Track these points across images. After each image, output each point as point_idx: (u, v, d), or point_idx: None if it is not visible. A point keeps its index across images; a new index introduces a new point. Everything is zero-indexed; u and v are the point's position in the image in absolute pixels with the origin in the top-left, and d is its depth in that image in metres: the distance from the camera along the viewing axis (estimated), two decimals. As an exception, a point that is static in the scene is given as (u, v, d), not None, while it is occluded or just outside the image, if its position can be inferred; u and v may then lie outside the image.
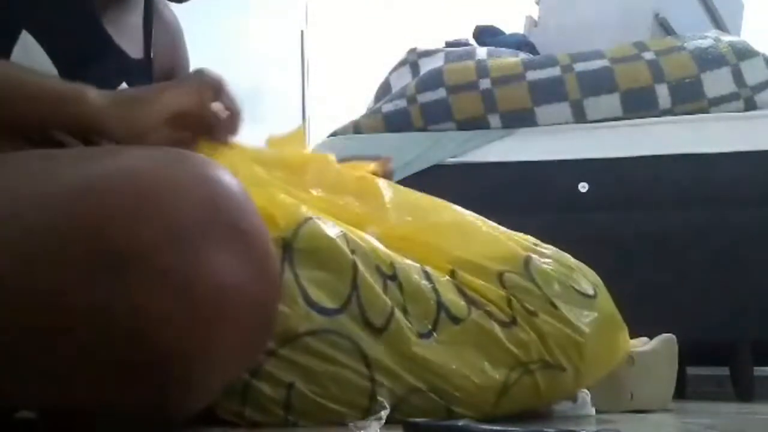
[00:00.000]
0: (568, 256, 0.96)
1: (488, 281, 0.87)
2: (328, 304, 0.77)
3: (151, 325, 0.54)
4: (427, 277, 0.84)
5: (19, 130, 0.76)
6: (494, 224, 0.96)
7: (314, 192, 0.87)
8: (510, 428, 0.66)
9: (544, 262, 0.90)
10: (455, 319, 0.82)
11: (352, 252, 0.80)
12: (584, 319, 0.89)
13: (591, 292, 0.92)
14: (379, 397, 0.76)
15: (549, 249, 0.95)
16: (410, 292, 0.82)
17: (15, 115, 0.75)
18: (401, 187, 0.96)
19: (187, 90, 0.79)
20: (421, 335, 0.80)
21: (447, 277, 0.85)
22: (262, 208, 0.80)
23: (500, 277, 0.87)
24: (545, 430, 0.70)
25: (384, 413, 0.71)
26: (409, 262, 0.85)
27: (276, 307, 0.65)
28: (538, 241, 0.96)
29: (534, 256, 0.91)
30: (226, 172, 0.62)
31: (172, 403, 0.59)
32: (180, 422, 0.66)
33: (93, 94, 0.76)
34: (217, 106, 0.80)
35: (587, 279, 0.94)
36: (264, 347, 0.70)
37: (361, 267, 0.80)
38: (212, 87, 0.80)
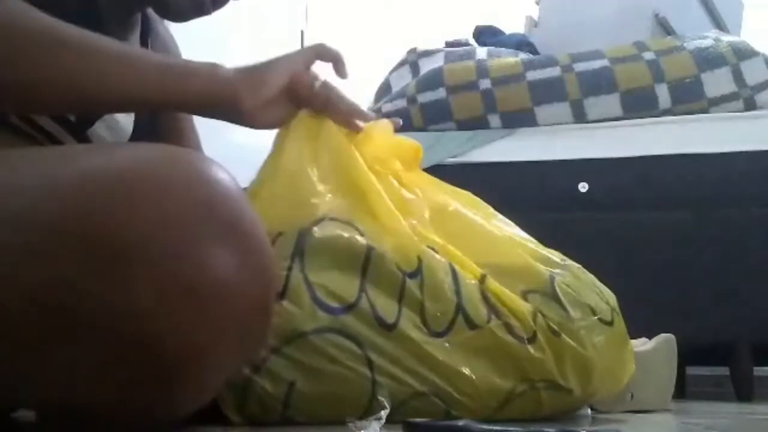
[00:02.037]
0: (593, 277, 0.95)
1: (514, 293, 0.86)
2: (336, 303, 0.77)
3: (147, 323, 0.54)
4: (454, 277, 0.83)
5: (145, 108, 0.81)
6: (521, 234, 0.95)
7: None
8: (510, 428, 0.66)
9: (569, 284, 0.90)
10: (472, 325, 0.82)
11: (369, 250, 0.80)
12: (598, 343, 0.88)
13: (609, 318, 0.92)
14: (379, 397, 0.76)
15: (575, 268, 0.94)
16: (432, 290, 0.81)
17: (142, 93, 0.77)
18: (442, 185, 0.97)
19: (294, 59, 0.86)
20: (433, 334, 0.80)
21: (475, 281, 0.85)
22: (284, 200, 0.81)
23: (524, 296, 0.86)
24: (545, 430, 0.70)
25: (384, 413, 0.71)
26: (439, 258, 0.84)
27: (273, 304, 0.65)
28: (565, 258, 0.95)
29: (559, 275, 0.90)
30: (223, 171, 0.62)
31: (170, 402, 0.59)
32: (180, 422, 0.66)
33: (222, 68, 0.81)
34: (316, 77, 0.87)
35: (608, 304, 0.93)
36: (262, 345, 0.70)
37: (373, 266, 0.79)
38: (316, 54, 0.88)
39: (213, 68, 0.80)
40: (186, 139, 1.07)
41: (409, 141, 0.99)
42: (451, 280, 0.83)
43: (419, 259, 0.82)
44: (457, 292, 0.82)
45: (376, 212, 0.85)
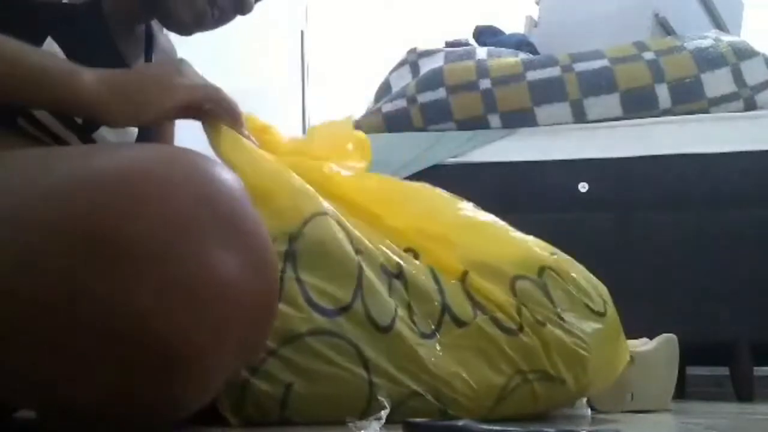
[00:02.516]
0: (583, 268, 0.96)
1: (500, 285, 0.86)
2: (330, 304, 0.77)
3: (148, 322, 0.54)
4: (435, 278, 0.84)
5: (16, 103, 0.77)
6: (513, 229, 0.95)
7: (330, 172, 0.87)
8: (510, 428, 0.66)
9: (560, 274, 0.90)
10: (459, 322, 0.82)
11: (357, 252, 0.80)
12: (591, 334, 0.89)
13: (601, 309, 0.92)
14: (379, 397, 0.76)
15: (567, 260, 0.94)
16: (415, 291, 0.82)
17: (10, 92, 0.74)
18: (420, 184, 0.96)
19: (179, 98, 0.78)
20: (424, 335, 0.80)
21: (455, 281, 0.85)
22: (273, 198, 0.80)
23: (513, 283, 0.87)
24: (545, 430, 0.70)
25: (384, 413, 0.71)
26: (417, 262, 0.84)
27: (275, 304, 0.65)
28: (556, 250, 0.95)
29: (550, 265, 0.90)
30: (225, 170, 0.62)
31: (171, 401, 0.59)
32: (180, 422, 0.66)
33: (88, 78, 0.75)
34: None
35: (600, 296, 0.93)
36: (264, 344, 0.70)
37: (365, 267, 0.79)
38: (208, 100, 0.81)
39: (74, 78, 0.75)
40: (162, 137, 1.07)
41: (354, 133, 0.96)
42: (433, 282, 0.83)
43: (399, 265, 0.82)
44: (441, 292, 0.83)
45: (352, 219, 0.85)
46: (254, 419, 0.75)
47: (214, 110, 0.82)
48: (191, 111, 0.81)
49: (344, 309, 0.77)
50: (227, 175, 0.62)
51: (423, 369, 0.79)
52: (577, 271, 0.94)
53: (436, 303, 0.82)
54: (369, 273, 0.80)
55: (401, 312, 0.80)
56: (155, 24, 1.01)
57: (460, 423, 0.68)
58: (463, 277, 0.85)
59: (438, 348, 0.80)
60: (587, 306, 0.90)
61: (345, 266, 0.79)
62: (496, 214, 0.98)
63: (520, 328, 0.84)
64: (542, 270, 0.89)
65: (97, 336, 0.54)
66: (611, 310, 0.94)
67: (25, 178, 0.61)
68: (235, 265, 0.58)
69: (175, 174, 0.58)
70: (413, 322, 0.80)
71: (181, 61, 0.83)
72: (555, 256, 0.93)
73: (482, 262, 0.87)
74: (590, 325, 0.89)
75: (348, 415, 0.73)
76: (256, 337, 0.64)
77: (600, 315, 0.91)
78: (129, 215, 0.55)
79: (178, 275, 0.55)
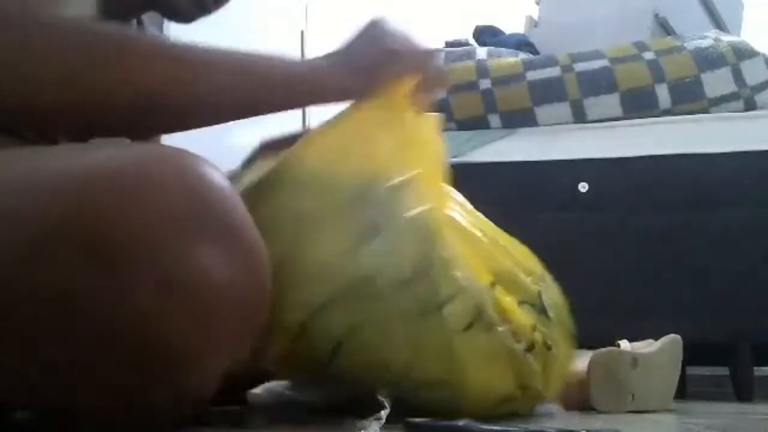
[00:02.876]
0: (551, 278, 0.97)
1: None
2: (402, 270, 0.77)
3: (150, 322, 0.54)
4: (473, 280, 0.84)
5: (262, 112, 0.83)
6: (504, 238, 0.95)
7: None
8: (510, 428, 0.66)
9: (551, 296, 0.90)
10: (489, 327, 0.82)
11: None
12: (569, 350, 0.91)
13: (570, 323, 0.93)
14: (379, 397, 0.75)
15: (546, 275, 0.94)
16: (461, 285, 0.81)
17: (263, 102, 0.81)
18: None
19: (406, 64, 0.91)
20: (464, 328, 0.80)
21: (487, 286, 0.85)
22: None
23: (520, 307, 0.87)
24: (545, 430, 0.70)
25: (384, 413, 0.71)
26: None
27: (267, 300, 0.65)
28: (537, 263, 0.94)
29: (543, 288, 0.90)
30: (214, 168, 0.62)
31: (172, 401, 0.59)
32: (180, 421, 0.66)
33: (324, 67, 0.84)
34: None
35: (565, 307, 0.94)
36: (253, 343, 0.69)
37: (440, 245, 0.80)
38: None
39: (315, 70, 0.84)
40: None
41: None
42: (475, 281, 0.83)
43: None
44: (480, 292, 0.82)
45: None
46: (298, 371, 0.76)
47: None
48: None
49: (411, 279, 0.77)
50: (216, 173, 0.61)
51: (450, 360, 0.79)
52: (555, 288, 0.94)
53: (474, 301, 0.82)
54: (444, 250, 0.80)
55: (448, 301, 0.80)
56: (145, 17, 1.01)
57: (461, 423, 0.67)
58: (493, 286, 0.85)
59: (467, 345, 0.80)
60: (566, 326, 0.91)
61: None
62: (496, 215, 0.98)
63: (531, 348, 0.85)
64: (540, 295, 0.89)
65: (96, 336, 0.54)
66: (571, 320, 0.95)
67: (17, 176, 0.60)
68: (229, 263, 0.58)
69: (169, 173, 0.58)
70: (455, 313, 0.80)
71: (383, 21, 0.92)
72: (542, 272, 0.93)
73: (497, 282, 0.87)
74: (570, 342, 0.91)
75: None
76: (251, 335, 0.64)
77: (570, 331, 0.92)
78: (128, 214, 0.55)
79: (177, 275, 0.55)
